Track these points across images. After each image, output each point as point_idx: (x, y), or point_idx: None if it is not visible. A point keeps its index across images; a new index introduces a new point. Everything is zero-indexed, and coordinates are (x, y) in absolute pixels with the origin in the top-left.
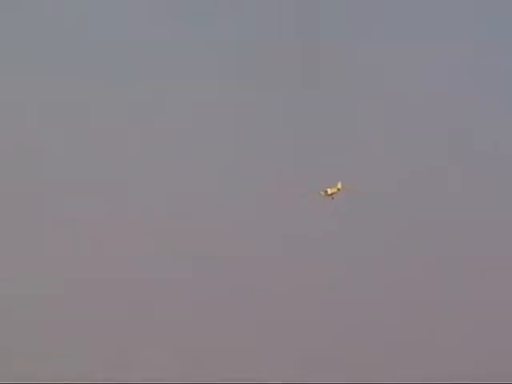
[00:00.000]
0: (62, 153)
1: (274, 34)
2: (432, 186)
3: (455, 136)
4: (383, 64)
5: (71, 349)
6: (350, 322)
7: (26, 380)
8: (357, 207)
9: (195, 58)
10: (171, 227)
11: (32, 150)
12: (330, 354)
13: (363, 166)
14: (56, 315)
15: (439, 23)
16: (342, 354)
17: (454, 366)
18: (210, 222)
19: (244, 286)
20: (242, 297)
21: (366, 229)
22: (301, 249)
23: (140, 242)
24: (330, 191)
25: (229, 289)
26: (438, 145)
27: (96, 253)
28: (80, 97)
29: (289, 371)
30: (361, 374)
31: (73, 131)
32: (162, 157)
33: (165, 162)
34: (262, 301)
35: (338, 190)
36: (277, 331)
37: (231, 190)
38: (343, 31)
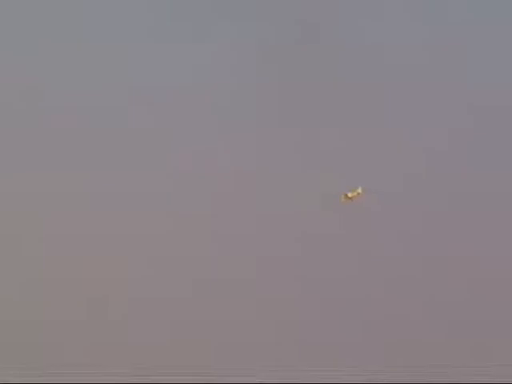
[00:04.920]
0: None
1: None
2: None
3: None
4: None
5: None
6: (352, 322)
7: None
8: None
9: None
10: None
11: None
12: (333, 354)
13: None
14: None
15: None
16: (345, 354)
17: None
18: (218, 223)
19: (246, 286)
20: (243, 297)
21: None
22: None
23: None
24: (350, 195)
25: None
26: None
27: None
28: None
29: (290, 370)
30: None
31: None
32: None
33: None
34: (264, 300)
35: (358, 194)
36: (279, 331)
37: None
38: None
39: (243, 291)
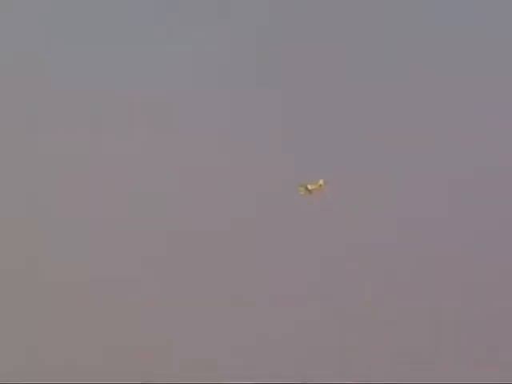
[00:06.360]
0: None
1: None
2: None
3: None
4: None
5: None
6: (350, 322)
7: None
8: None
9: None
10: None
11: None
12: (331, 354)
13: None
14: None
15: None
16: (344, 355)
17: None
18: (208, 221)
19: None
20: (241, 296)
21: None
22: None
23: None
24: (310, 187)
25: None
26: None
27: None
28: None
29: (290, 371)
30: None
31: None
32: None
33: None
34: (260, 300)
35: (320, 186)
36: (277, 331)
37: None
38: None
39: (243, 291)
